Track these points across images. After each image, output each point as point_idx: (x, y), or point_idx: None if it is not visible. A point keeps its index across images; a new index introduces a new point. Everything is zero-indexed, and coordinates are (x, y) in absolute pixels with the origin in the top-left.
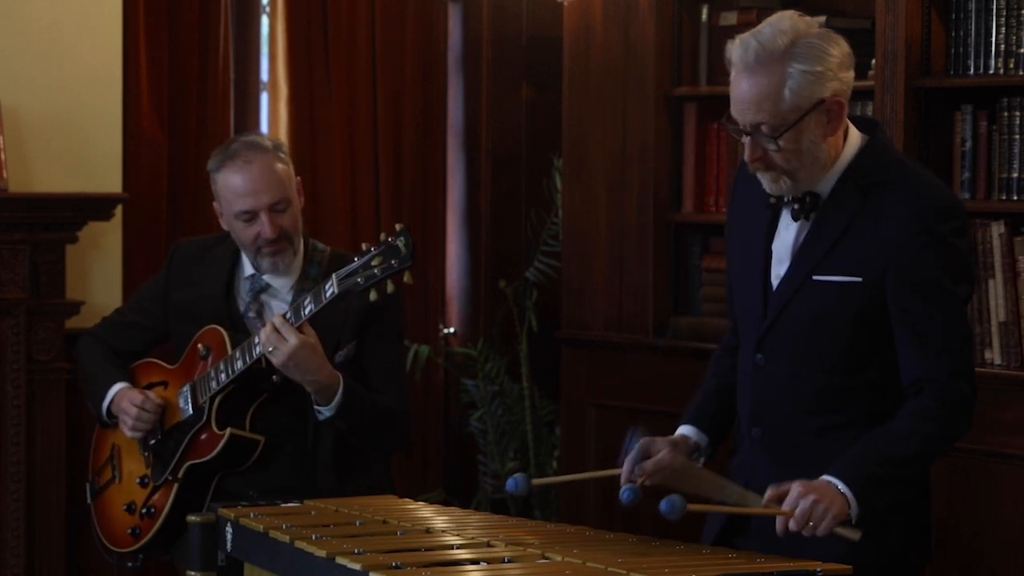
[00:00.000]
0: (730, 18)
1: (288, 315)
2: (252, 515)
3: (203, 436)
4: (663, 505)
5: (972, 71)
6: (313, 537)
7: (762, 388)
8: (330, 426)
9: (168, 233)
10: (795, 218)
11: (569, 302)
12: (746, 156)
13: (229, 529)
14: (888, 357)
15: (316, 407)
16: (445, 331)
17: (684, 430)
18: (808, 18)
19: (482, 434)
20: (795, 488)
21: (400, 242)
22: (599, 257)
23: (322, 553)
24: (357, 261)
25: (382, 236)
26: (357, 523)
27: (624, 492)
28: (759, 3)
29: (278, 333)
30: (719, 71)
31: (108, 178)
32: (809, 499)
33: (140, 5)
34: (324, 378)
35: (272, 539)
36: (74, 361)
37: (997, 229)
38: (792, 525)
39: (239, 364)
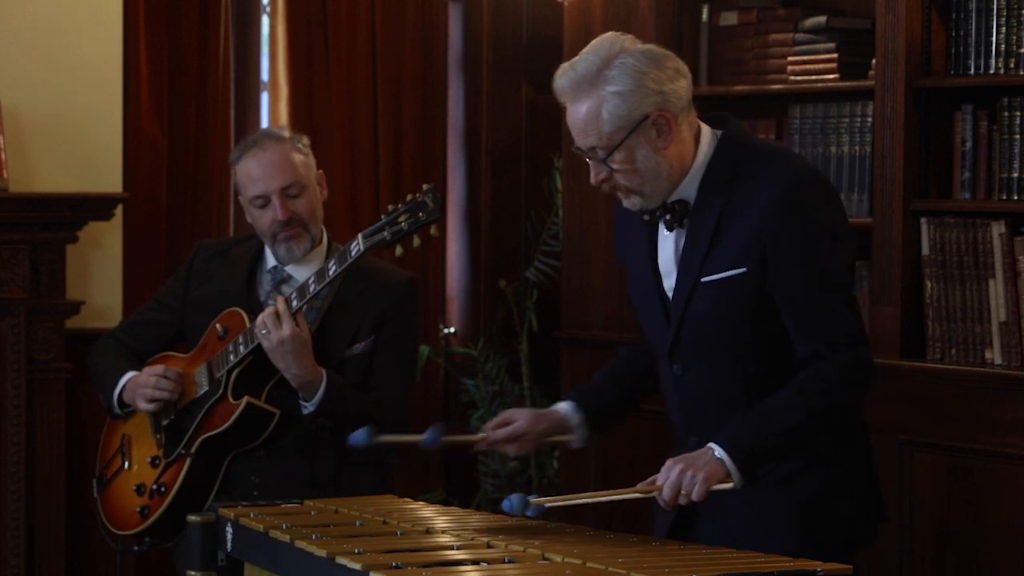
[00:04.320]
0: (730, 18)
1: (311, 281)
2: (252, 515)
3: (218, 408)
4: (505, 504)
5: (972, 71)
6: (313, 537)
7: (687, 396)
8: (313, 422)
9: (168, 233)
10: (669, 228)
11: (569, 302)
12: (591, 179)
13: (229, 529)
14: None
15: (300, 402)
16: (445, 331)
17: (558, 404)
18: (630, 37)
19: None
20: (666, 463)
21: (428, 197)
22: (599, 257)
23: (322, 553)
24: (384, 218)
25: (408, 196)
26: (357, 523)
27: (426, 434)
28: (759, 3)
29: (276, 317)
30: (719, 71)
31: (108, 178)
32: (676, 469)
33: (140, 5)
34: (306, 373)
35: (272, 539)
36: (89, 360)
37: (997, 229)
38: (664, 496)
39: None
